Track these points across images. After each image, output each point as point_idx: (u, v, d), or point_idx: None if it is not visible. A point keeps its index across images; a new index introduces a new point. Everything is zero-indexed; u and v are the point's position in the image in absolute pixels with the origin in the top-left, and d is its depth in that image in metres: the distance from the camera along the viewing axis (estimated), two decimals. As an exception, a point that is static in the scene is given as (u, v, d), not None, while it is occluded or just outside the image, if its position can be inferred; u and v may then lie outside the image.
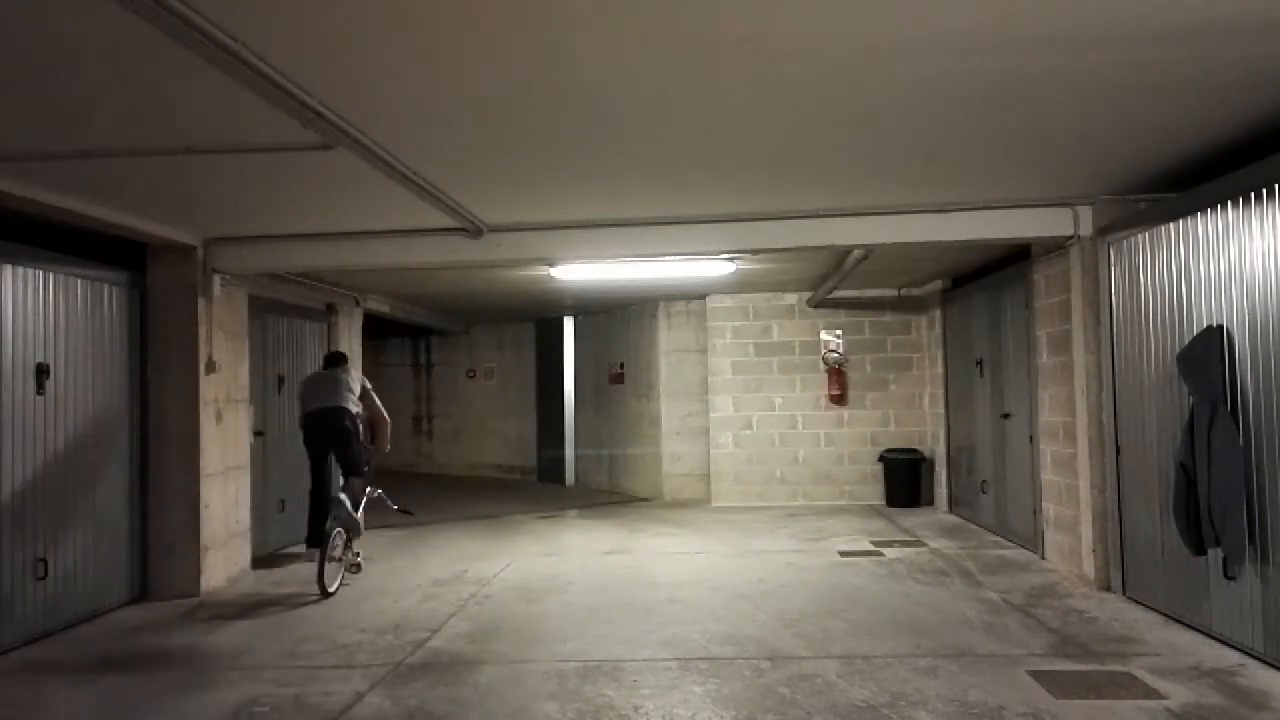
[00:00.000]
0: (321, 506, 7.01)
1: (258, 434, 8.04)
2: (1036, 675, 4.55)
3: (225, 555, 7.14)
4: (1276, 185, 4.43)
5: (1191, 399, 5.05)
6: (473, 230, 6.53)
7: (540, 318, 14.38)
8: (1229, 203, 4.82)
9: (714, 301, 11.37)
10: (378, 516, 10.37)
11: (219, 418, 7.06)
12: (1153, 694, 4.26)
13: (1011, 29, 3.36)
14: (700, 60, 3.59)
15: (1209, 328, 4.94)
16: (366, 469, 7.24)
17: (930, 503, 10.68)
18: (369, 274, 8.95)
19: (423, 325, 13.57)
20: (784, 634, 5.42)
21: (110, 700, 4.57)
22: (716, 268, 8.56)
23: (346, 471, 7.19)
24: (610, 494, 12.75)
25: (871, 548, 8.13)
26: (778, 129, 4.54)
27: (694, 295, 11.47)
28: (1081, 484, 6.47)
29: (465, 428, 15.84)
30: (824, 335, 11.16)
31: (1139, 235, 5.78)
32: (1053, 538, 7.16)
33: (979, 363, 9.04)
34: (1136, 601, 5.87)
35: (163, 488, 6.74)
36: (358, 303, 10.22)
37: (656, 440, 12.02)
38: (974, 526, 9.15)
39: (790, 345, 11.23)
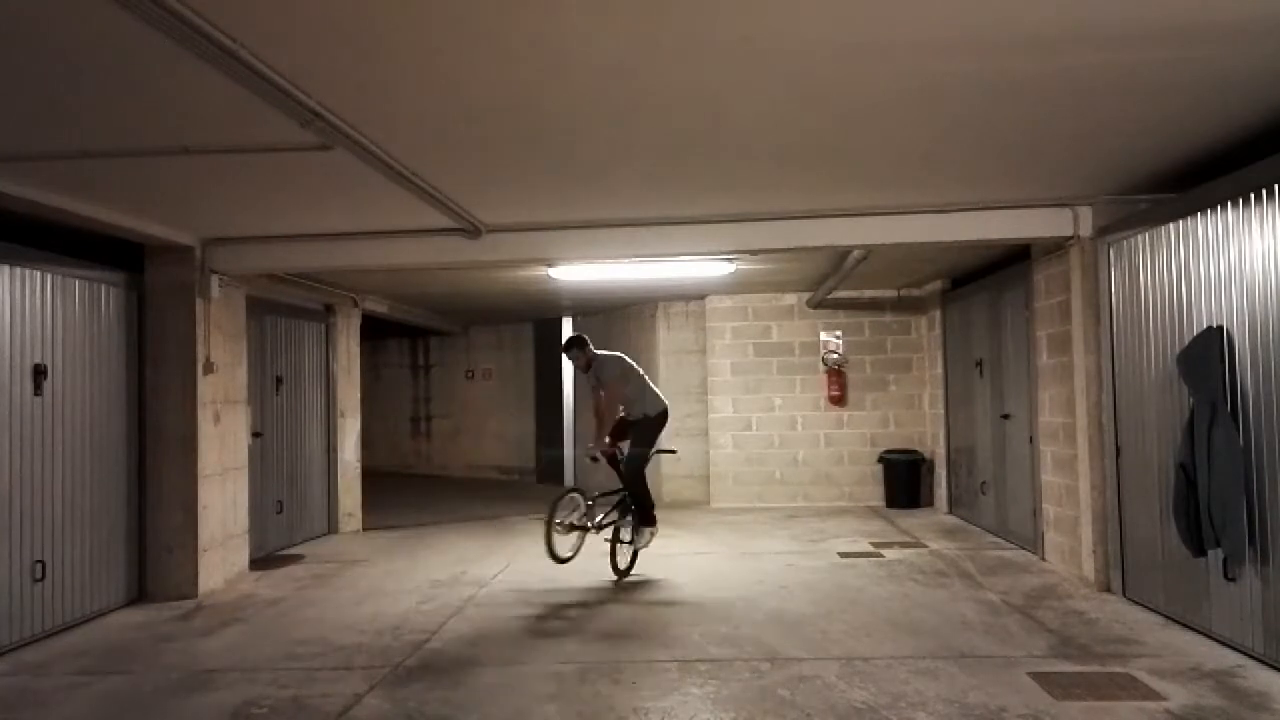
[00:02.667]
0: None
1: (256, 435, 8.03)
2: (1036, 676, 4.54)
3: (223, 556, 7.12)
4: (1276, 185, 4.42)
5: (1191, 400, 5.04)
6: (471, 231, 6.52)
7: (539, 318, 14.37)
8: (1229, 203, 4.81)
9: (713, 302, 11.36)
10: (379, 517, 10.38)
11: (217, 419, 7.04)
12: (1152, 695, 4.25)
13: (1012, 29, 3.35)
14: (700, 61, 3.58)
15: (1209, 328, 4.94)
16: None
17: (930, 504, 10.68)
18: (367, 275, 8.94)
19: (421, 326, 13.56)
20: (783, 635, 5.41)
21: (108, 702, 4.55)
22: (715, 268, 8.55)
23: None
24: (609, 495, 12.72)
25: (871, 549, 8.12)
26: (778, 129, 4.53)
27: (693, 296, 11.46)
28: (1081, 485, 6.46)
29: (464, 429, 15.82)
30: (823, 336, 11.15)
31: (1139, 236, 5.77)
32: (1052, 539, 7.15)
33: (979, 363, 9.03)
34: (1136, 603, 5.86)
35: (160, 489, 6.72)
36: (356, 303, 10.21)
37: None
38: (974, 528, 9.14)
39: (790, 346, 11.23)
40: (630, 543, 7.17)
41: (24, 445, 5.57)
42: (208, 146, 4.44)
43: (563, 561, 6.75)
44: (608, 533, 7.12)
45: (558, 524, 6.72)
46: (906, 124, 4.49)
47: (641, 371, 7.43)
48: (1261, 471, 4.56)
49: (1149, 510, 5.70)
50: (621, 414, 7.29)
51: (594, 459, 7.24)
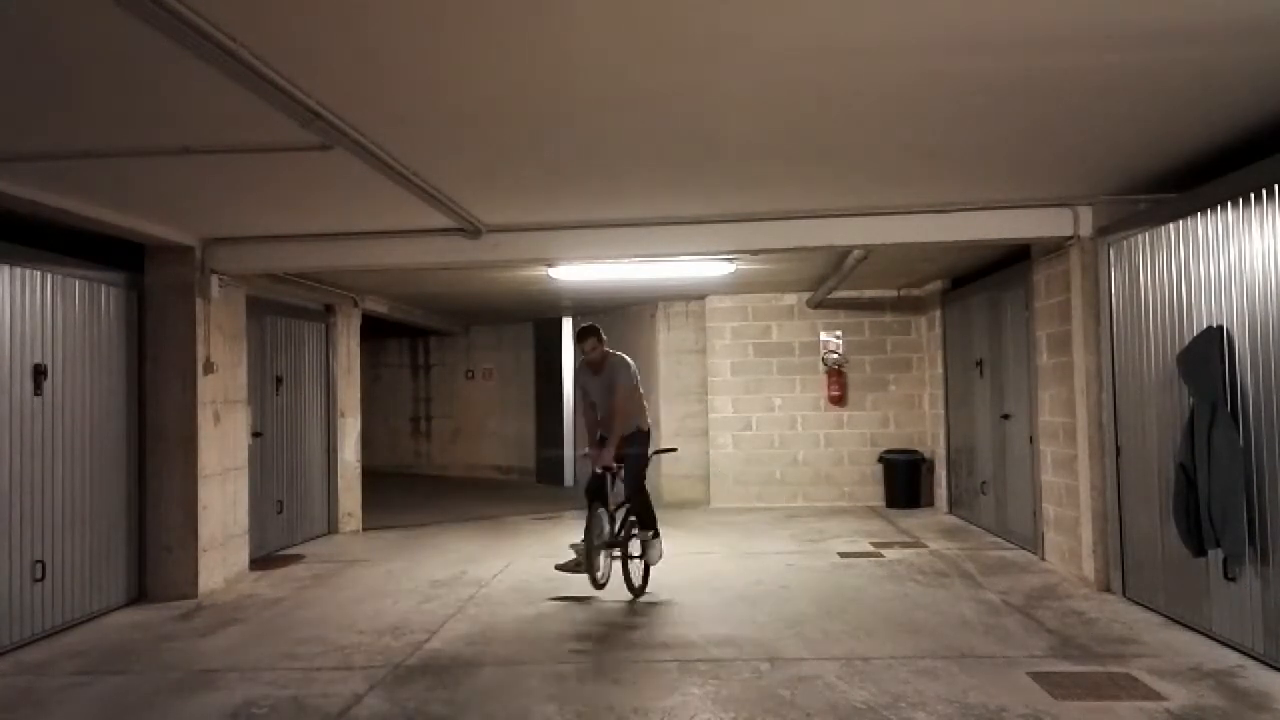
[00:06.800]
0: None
1: (256, 435, 8.03)
2: (1036, 676, 4.54)
3: (223, 556, 7.12)
4: (1276, 185, 4.42)
5: (1191, 400, 5.04)
6: (471, 230, 6.52)
7: (539, 318, 14.37)
8: (1229, 203, 4.81)
9: (713, 302, 11.36)
10: (379, 517, 10.37)
11: (217, 419, 7.04)
12: (1152, 695, 4.25)
13: (1012, 30, 3.35)
14: (700, 61, 3.58)
15: (1209, 328, 4.94)
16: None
17: (930, 504, 10.68)
18: (367, 274, 8.94)
19: (421, 326, 13.55)
20: (784, 635, 5.41)
21: (108, 702, 4.55)
22: (715, 268, 8.55)
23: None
24: (609, 495, 12.72)
25: (871, 549, 8.12)
26: (778, 129, 4.53)
27: (693, 296, 11.46)
28: (1081, 485, 6.46)
29: (464, 429, 15.82)
30: (823, 336, 11.16)
31: (1139, 236, 5.77)
32: (1052, 539, 7.15)
33: (979, 363, 9.03)
34: (1136, 603, 5.86)
35: (160, 489, 6.72)
36: (356, 303, 10.21)
37: (655, 441, 11.98)
38: (974, 528, 9.14)
39: (790, 346, 11.22)
40: (642, 557, 6.57)
41: (24, 445, 5.56)
42: (208, 146, 4.44)
43: (602, 587, 6.43)
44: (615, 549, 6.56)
45: (598, 545, 6.36)
46: (907, 124, 4.49)
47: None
48: (1261, 471, 4.56)
49: (1149, 510, 5.70)
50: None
51: (606, 470, 6.51)
